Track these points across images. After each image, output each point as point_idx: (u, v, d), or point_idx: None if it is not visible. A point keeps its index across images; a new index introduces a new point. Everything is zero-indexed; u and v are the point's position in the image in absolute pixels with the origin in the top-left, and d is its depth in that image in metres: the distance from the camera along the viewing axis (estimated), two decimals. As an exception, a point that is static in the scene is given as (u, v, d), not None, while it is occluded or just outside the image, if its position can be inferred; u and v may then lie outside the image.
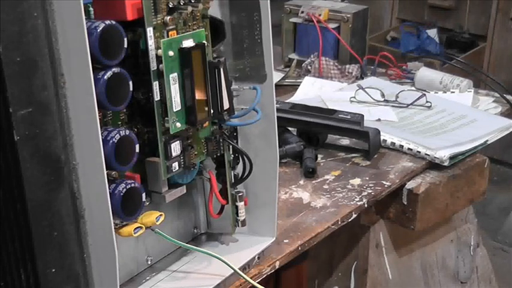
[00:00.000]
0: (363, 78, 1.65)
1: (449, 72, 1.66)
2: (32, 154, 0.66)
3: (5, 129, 0.64)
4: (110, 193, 0.69)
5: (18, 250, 0.69)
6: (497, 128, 1.35)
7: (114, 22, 0.69)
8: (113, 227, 0.69)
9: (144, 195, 0.75)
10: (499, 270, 1.61)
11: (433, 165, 1.24)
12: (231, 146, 0.87)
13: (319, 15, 1.73)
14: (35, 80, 0.65)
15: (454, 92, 1.55)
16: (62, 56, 0.66)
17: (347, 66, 1.69)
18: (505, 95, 1.54)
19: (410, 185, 1.20)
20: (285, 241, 0.97)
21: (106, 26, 0.67)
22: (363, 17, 1.77)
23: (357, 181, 1.16)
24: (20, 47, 0.64)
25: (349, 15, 1.73)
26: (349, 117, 1.26)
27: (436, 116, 1.42)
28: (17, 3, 0.63)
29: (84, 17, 0.63)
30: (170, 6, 0.76)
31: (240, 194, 0.89)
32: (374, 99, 1.47)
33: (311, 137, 1.28)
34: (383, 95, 1.47)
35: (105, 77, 0.68)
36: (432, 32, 3.16)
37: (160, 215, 0.78)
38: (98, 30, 0.67)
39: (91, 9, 0.72)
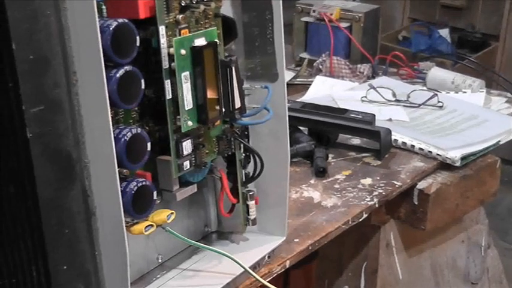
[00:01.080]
0: (374, 78, 1.65)
1: (461, 72, 1.66)
2: (44, 151, 0.66)
3: (17, 127, 0.64)
4: (121, 191, 0.69)
5: (29, 247, 0.69)
6: (510, 128, 1.34)
7: (126, 20, 0.68)
8: (124, 225, 0.69)
9: (155, 193, 0.75)
10: (510, 271, 1.60)
11: (444, 165, 1.23)
12: (242, 145, 0.86)
13: (331, 14, 1.73)
14: (47, 78, 0.65)
15: (466, 92, 1.55)
16: (75, 54, 0.66)
17: (358, 65, 1.69)
18: (516, 95, 1.53)
19: (421, 185, 1.19)
20: (295, 240, 0.97)
21: (118, 24, 0.67)
22: (374, 16, 1.77)
23: (367, 181, 1.16)
24: (32, 45, 0.64)
25: (360, 15, 1.73)
26: (360, 116, 1.25)
27: (448, 116, 1.41)
28: (29, 1, 0.63)
29: (96, 15, 0.63)
30: (182, 4, 0.76)
31: (251, 193, 0.89)
32: (385, 99, 1.47)
33: (322, 136, 1.28)
34: (394, 95, 1.47)
35: (117, 75, 0.68)
36: (444, 32, 3.15)
37: (171, 213, 0.78)
38: (111, 29, 0.67)
39: (104, 7, 0.71)
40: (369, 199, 1.10)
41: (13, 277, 0.72)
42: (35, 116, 0.64)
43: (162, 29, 0.74)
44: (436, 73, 1.62)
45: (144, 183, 0.73)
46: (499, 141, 1.29)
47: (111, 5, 0.72)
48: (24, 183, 0.66)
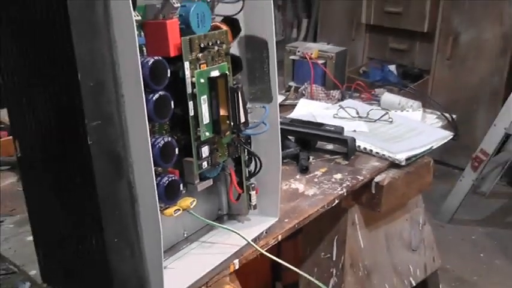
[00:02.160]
0: (343, 100, 1.64)
1: (405, 96, 1.65)
2: (100, 153, 0.65)
3: (82, 136, 0.64)
4: (156, 184, 0.68)
5: (91, 224, 0.68)
6: (439, 137, 1.34)
7: (160, 58, 0.68)
8: (158, 209, 0.68)
9: (181, 185, 0.74)
10: (439, 241, 1.60)
11: (394, 164, 1.22)
12: (246, 150, 0.85)
13: (311, 54, 1.73)
14: (103, 99, 0.65)
15: (408, 111, 1.55)
16: (123, 81, 0.65)
17: (331, 91, 1.68)
18: (443, 113, 1.53)
19: (377, 179, 1.18)
20: (285, 220, 0.96)
21: (155, 61, 0.67)
22: (343, 55, 1.77)
23: (338, 176, 1.15)
24: (92, 74, 0.63)
25: (333, 54, 1.73)
26: (333, 128, 1.25)
27: (396, 128, 1.40)
28: (91, 41, 0.62)
29: (138, 53, 0.62)
30: (202, 46, 0.75)
31: (253, 185, 0.88)
32: (351, 116, 1.46)
33: (305, 143, 1.27)
34: (357, 113, 1.46)
35: (154, 98, 0.67)
36: (392, 67, 3.15)
37: (194, 200, 0.77)
38: (149, 64, 0.66)
39: (144, 48, 0.71)
40: (339, 189, 1.09)
41: (80, 244, 0.72)
42: (94, 128, 0.64)
43: (186, 64, 0.73)
44: (387, 97, 1.61)
45: (173, 178, 0.72)
46: (432, 146, 1.29)
47: (150, 46, 0.71)
48: (87, 176, 0.66)
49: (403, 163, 1.21)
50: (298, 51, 1.76)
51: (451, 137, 1.36)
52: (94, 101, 0.64)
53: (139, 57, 0.62)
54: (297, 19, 4.31)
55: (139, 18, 0.70)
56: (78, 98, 0.62)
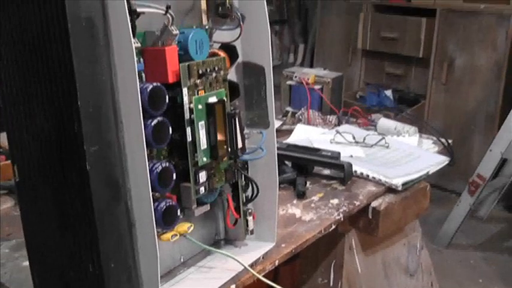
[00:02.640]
0: (339, 125, 1.64)
1: (401, 121, 1.65)
2: (99, 179, 0.66)
3: (81, 161, 0.64)
4: (154, 209, 0.68)
5: (88, 248, 0.68)
6: (436, 162, 1.34)
7: (159, 84, 0.69)
8: (156, 234, 0.68)
9: (179, 210, 0.74)
10: (437, 265, 1.59)
11: (390, 189, 1.22)
12: (243, 175, 0.86)
13: (308, 79, 1.74)
14: (102, 125, 0.65)
15: (404, 136, 1.55)
16: (122, 107, 0.66)
17: (328, 116, 1.69)
18: (440, 138, 1.54)
19: (374, 203, 1.18)
20: (282, 245, 0.95)
21: (153, 87, 0.68)
22: (339, 81, 1.78)
23: (335, 201, 1.15)
24: (92, 100, 0.64)
25: (329, 80, 1.74)
26: (329, 153, 1.25)
27: (392, 153, 1.40)
28: (91, 67, 0.63)
29: (137, 80, 0.63)
30: (200, 72, 0.76)
31: (250, 210, 0.88)
32: (348, 141, 1.46)
33: (302, 168, 1.27)
34: (354, 138, 1.47)
35: (152, 123, 0.68)
36: (388, 92, 3.17)
37: (191, 225, 0.77)
38: (148, 90, 0.67)
39: (143, 74, 0.72)
40: (336, 214, 1.09)
41: (76, 269, 0.71)
42: (92, 153, 0.65)
43: (185, 90, 0.74)
44: (384, 122, 1.62)
45: (171, 203, 0.72)
46: (429, 171, 1.29)
47: (149, 72, 0.72)
48: (85, 201, 0.66)
49: (400, 188, 1.21)
50: (295, 77, 1.77)
51: (447, 162, 1.36)
52: (93, 127, 0.64)
53: (138, 83, 0.63)
54: (294, 44, 4.36)
55: (139, 45, 0.71)
56: (78, 123, 0.63)
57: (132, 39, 0.63)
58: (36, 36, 0.66)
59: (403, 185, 1.21)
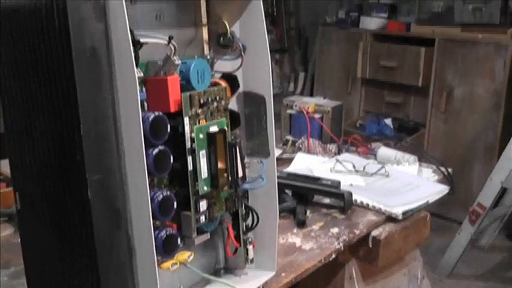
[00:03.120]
0: (339, 154, 1.65)
1: (401, 150, 1.66)
2: (100, 207, 0.66)
3: (83, 190, 0.65)
4: (154, 237, 0.68)
5: (88, 275, 0.68)
6: (436, 191, 1.34)
7: (161, 113, 0.69)
8: (156, 262, 0.68)
9: (179, 239, 0.74)
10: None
11: (390, 218, 1.22)
12: (243, 204, 0.86)
13: (308, 108, 1.75)
14: (104, 153, 0.66)
15: (404, 165, 1.55)
16: (124, 136, 0.67)
17: (328, 145, 1.69)
18: (439, 167, 1.54)
19: (374, 233, 1.18)
20: (282, 274, 0.95)
21: (155, 116, 0.68)
22: (339, 109, 1.79)
23: (335, 230, 1.15)
24: (94, 128, 0.65)
25: (329, 109, 1.75)
26: (329, 182, 1.25)
27: (392, 182, 1.41)
28: (95, 96, 0.64)
29: (140, 109, 0.64)
30: (201, 102, 0.76)
31: (250, 239, 0.88)
32: (348, 170, 1.47)
33: (302, 197, 1.27)
34: (354, 166, 1.47)
35: (154, 152, 0.68)
36: (388, 121, 3.19)
37: (191, 254, 0.77)
38: (150, 119, 0.68)
39: (145, 103, 0.73)
40: (336, 243, 1.08)
41: None
42: (94, 181, 0.65)
43: (186, 120, 0.74)
44: (383, 151, 1.62)
45: (171, 231, 0.72)
46: (428, 200, 1.29)
47: (151, 101, 0.73)
48: (85, 228, 0.67)
49: (400, 217, 1.21)
50: (295, 106, 1.79)
51: (448, 191, 1.36)
52: (95, 155, 0.65)
53: (140, 112, 0.64)
54: (294, 73, 4.40)
55: (141, 74, 0.72)
56: (80, 151, 0.64)
57: (135, 69, 0.64)
58: (40, 64, 0.67)
59: (403, 214, 1.21)
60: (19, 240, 0.79)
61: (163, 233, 0.71)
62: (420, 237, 1.30)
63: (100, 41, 0.64)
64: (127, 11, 0.63)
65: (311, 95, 3.78)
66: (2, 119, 0.76)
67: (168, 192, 0.71)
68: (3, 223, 1.15)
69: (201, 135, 0.75)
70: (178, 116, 0.74)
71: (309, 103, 1.78)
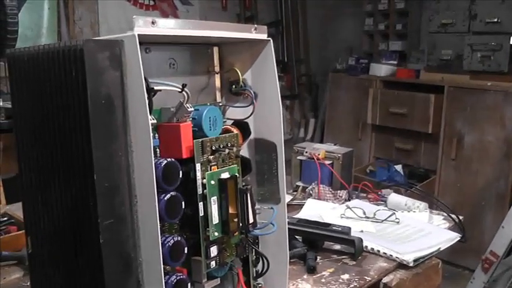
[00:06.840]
0: (350, 200, 1.64)
1: (411, 197, 1.65)
2: (111, 252, 0.66)
3: (94, 234, 0.65)
4: (165, 282, 0.68)
5: None
6: (447, 238, 1.33)
7: (173, 160, 0.70)
8: (166, 309, 0.67)
9: (189, 284, 0.74)
10: None
11: (401, 265, 1.21)
12: (254, 250, 0.86)
13: (318, 154, 1.75)
14: (117, 200, 0.66)
15: (415, 212, 1.55)
16: (136, 182, 0.67)
17: (338, 191, 1.69)
18: (450, 214, 1.53)
19: (385, 279, 1.16)
20: (292, 322, 0.94)
21: (167, 163, 0.69)
22: (349, 156, 1.80)
23: (346, 276, 1.13)
24: (108, 176, 0.65)
25: (339, 155, 1.75)
26: (340, 229, 1.24)
27: (403, 229, 1.40)
28: (109, 145, 0.65)
29: (152, 155, 0.65)
30: (213, 149, 0.77)
31: (260, 285, 0.88)
32: (358, 216, 1.46)
33: (312, 243, 1.26)
34: (364, 213, 1.46)
35: (165, 198, 0.69)
36: (398, 167, 3.18)
37: (201, 300, 0.77)
38: (162, 165, 0.68)
39: (158, 149, 0.73)
40: (346, 290, 1.07)
41: None
42: (106, 227, 0.66)
43: (198, 166, 0.75)
44: (394, 197, 1.62)
45: (181, 277, 0.72)
46: (440, 248, 1.28)
47: (163, 147, 0.74)
48: (96, 274, 0.66)
49: (411, 264, 1.20)
50: (306, 152, 1.79)
51: (459, 238, 1.35)
52: (108, 201, 0.65)
53: (153, 159, 0.65)
54: (305, 119, 4.42)
55: (155, 121, 0.73)
56: (93, 198, 0.64)
57: (149, 116, 0.65)
58: (56, 110, 0.68)
59: (414, 261, 1.20)
60: (28, 283, 0.79)
61: (173, 278, 0.71)
62: (432, 285, 1.28)
63: (115, 89, 0.66)
64: (142, 60, 0.64)
65: (321, 141, 3.79)
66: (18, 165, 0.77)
67: (179, 238, 0.71)
68: (13, 266, 1.15)
69: (212, 182, 0.76)
70: (190, 162, 0.75)
71: (319, 149, 1.79)
